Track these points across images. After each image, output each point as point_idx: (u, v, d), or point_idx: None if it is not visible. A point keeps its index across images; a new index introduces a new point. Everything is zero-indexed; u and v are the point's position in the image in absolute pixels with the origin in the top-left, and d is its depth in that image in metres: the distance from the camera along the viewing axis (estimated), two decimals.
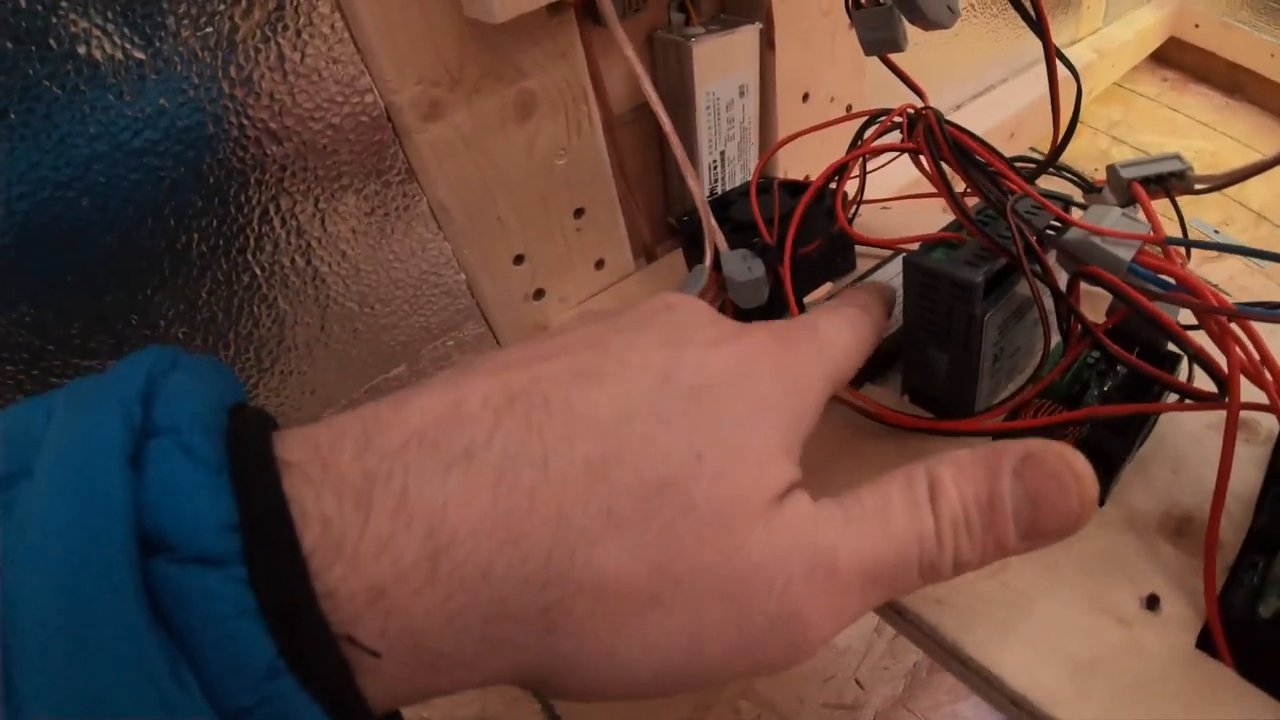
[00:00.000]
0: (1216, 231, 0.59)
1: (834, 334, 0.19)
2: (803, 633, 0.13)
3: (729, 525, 0.12)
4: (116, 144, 0.25)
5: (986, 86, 0.56)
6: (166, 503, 0.09)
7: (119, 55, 0.24)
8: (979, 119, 0.53)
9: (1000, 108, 0.54)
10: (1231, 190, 0.68)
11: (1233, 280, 0.52)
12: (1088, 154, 0.64)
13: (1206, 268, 0.57)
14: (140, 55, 0.25)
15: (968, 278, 0.23)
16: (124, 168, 0.26)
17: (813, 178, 0.28)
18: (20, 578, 0.08)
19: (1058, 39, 0.64)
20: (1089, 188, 0.33)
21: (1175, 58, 0.79)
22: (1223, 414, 0.21)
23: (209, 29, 0.26)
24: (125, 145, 0.25)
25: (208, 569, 0.09)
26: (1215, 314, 0.21)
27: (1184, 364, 0.26)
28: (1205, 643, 0.21)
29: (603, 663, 0.12)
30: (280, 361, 0.33)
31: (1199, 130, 0.68)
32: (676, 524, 0.12)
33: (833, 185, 0.29)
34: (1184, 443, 0.26)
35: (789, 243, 0.26)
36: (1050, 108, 0.28)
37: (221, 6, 0.26)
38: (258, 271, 0.31)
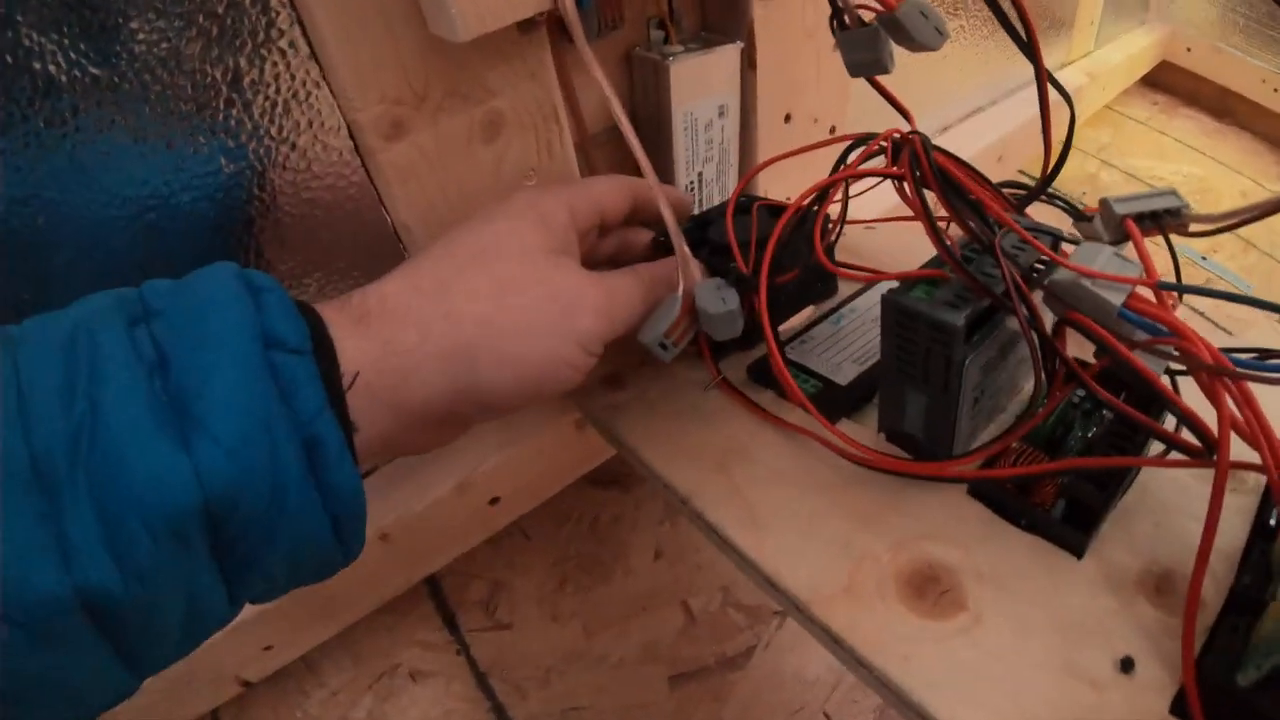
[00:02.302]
0: (1204, 258, 0.57)
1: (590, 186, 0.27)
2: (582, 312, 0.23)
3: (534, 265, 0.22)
4: (72, 161, 0.24)
5: (975, 108, 0.55)
6: (278, 322, 0.17)
7: (76, 72, 0.23)
8: (967, 141, 0.51)
9: (989, 130, 0.53)
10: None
11: (1219, 309, 0.50)
12: (1077, 177, 0.62)
13: (1196, 297, 0.56)
14: (97, 71, 0.23)
15: (949, 320, 0.21)
16: (79, 185, 0.24)
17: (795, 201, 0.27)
18: (183, 336, 0.16)
19: (1049, 61, 0.62)
20: (1079, 215, 0.31)
21: (1166, 81, 0.77)
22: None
23: (164, 45, 0.24)
24: (81, 162, 0.24)
25: (300, 355, 0.17)
26: (1210, 372, 0.19)
27: None
28: (1179, 709, 0.19)
29: (504, 367, 0.21)
30: None
31: (1188, 154, 0.66)
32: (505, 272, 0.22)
33: (815, 209, 0.27)
34: (1169, 493, 0.24)
35: (764, 274, 0.24)
36: (1041, 132, 0.27)
37: (178, 24, 0.24)
38: None
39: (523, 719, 0.37)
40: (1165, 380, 0.24)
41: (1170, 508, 0.24)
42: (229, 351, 0.16)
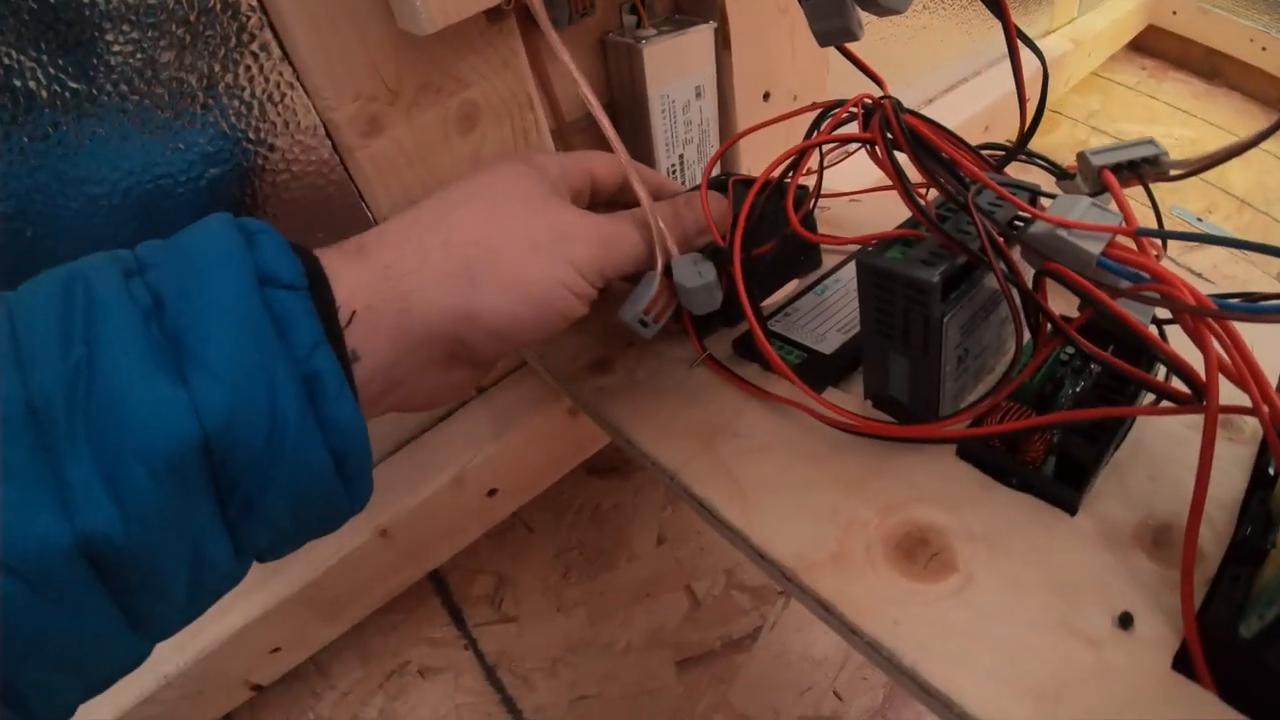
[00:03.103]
0: (1200, 220, 0.56)
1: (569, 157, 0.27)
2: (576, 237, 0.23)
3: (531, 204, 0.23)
4: (56, 174, 0.24)
5: (959, 80, 0.54)
6: (271, 260, 0.17)
7: (56, 87, 0.23)
8: (952, 113, 0.51)
9: (973, 101, 0.52)
10: (1213, 177, 0.65)
11: (1217, 269, 0.49)
12: (1066, 144, 0.61)
13: (1190, 257, 0.54)
14: (75, 85, 0.24)
15: (923, 278, 0.20)
16: (64, 198, 0.24)
17: (775, 176, 0.26)
18: (178, 279, 0.16)
19: (1032, 29, 0.62)
20: (1062, 174, 0.31)
21: (1153, 45, 0.76)
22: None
23: (139, 56, 0.24)
24: (65, 175, 0.24)
25: (294, 291, 0.17)
26: (1192, 313, 0.19)
27: None
28: (1183, 664, 0.19)
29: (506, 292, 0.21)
30: None
31: (1178, 117, 0.65)
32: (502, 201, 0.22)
33: (789, 179, 0.26)
34: (1163, 445, 0.23)
35: (737, 245, 0.24)
36: (1015, 88, 0.26)
37: (152, 34, 0.24)
38: None
39: (532, 710, 0.37)
40: (1153, 330, 0.23)
41: (1165, 460, 0.23)
42: (223, 290, 0.16)
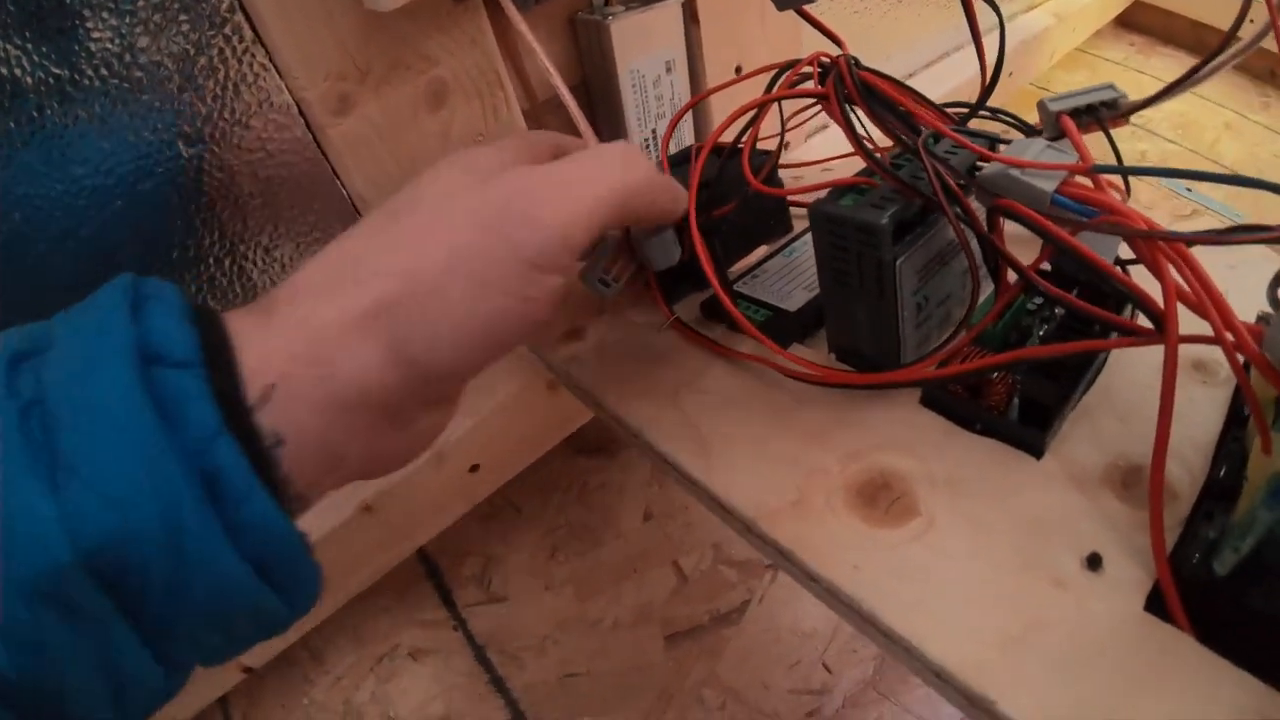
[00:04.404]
0: (1189, 190, 0.55)
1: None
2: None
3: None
4: (43, 157, 0.24)
5: (940, 54, 0.53)
6: (159, 332, 0.14)
7: (40, 74, 0.23)
8: (933, 86, 0.50)
9: (955, 74, 0.51)
10: (1205, 148, 0.64)
11: None
12: None
13: (1180, 225, 0.53)
14: (58, 71, 0.24)
15: (871, 220, 0.20)
16: (49, 180, 0.25)
17: (756, 146, 0.26)
18: (60, 367, 0.14)
19: (1014, 6, 0.61)
20: (1030, 131, 0.30)
21: (1141, 21, 0.75)
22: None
23: (118, 41, 0.25)
24: (50, 157, 0.24)
25: (186, 369, 0.14)
26: (1143, 237, 0.18)
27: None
28: (1155, 605, 0.18)
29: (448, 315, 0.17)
30: None
31: None
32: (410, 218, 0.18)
33: (749, 139, 0.26)
34: (1132, 390, 0.23)
35: (691, 197, 0.23)
36: (973, 43, 0.26)
37: (129, 20, 0.24)
38: (190, 285, 0.29)
39: (522, 688, 0.37)
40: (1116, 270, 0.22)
41: (1137, 404, 0.22)
42: (100, 377, 0.13)
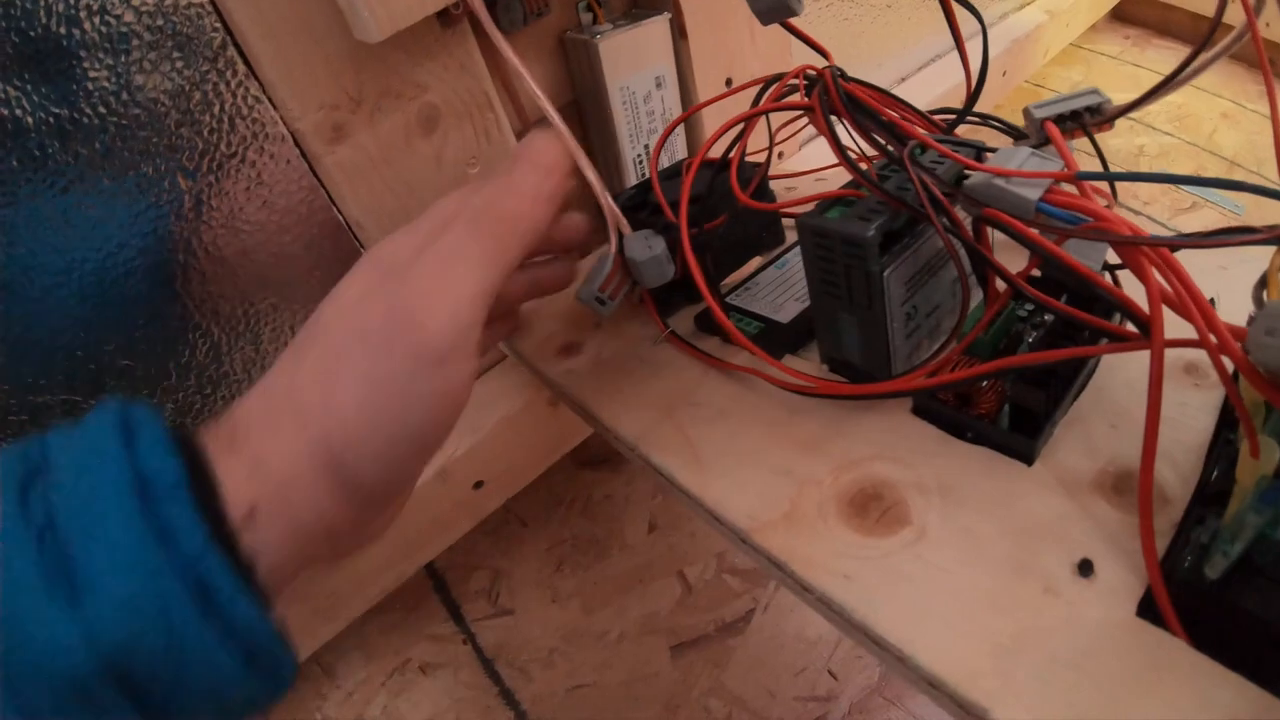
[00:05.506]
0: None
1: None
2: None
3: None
4: (45, 195, 0.25)
5: (931, 58, 0.53)
6: (149, 458, 0.16)
7: (40, 114, 0.24)
8: (924, 91, 0.50)
9: (945, 78, 0.51)
10: (1203, 140, 0.63)
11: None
12: None
13: (1180, 219, 0.53)
14: (59, 111, 0.25)
15: (858, 233, 0.20)
16: (51, 212, 0.25)
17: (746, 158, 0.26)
18: (66, 493, 0.16)
19: (1006, 4, 0.61)
20: (1019, 136, 0.30)
21: (1136, 15, 0.74)
22: (1167, 360, 0.18)
23: (115, 80, 0.25)
24: (52, 196, 0.25)
25: (175, 496, 0.16)
26: (1127, 243, 0.18)
27: None
28: (1147, 610, 0.18)
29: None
30: (221, 387, 0.32)
31: None
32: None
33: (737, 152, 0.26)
34: (1124, 395, 0.23)
35: (683, 213, 0.24)
36: (956, 50, 0.26)
37: (125, 59, 0.25)
38: (188, 303, 0.30)
39: (530, 700, 0.37)
40: (1106, 279, 0.22)
41: (1128, 409, 0.22)
42: (103, 504, 0.15)
